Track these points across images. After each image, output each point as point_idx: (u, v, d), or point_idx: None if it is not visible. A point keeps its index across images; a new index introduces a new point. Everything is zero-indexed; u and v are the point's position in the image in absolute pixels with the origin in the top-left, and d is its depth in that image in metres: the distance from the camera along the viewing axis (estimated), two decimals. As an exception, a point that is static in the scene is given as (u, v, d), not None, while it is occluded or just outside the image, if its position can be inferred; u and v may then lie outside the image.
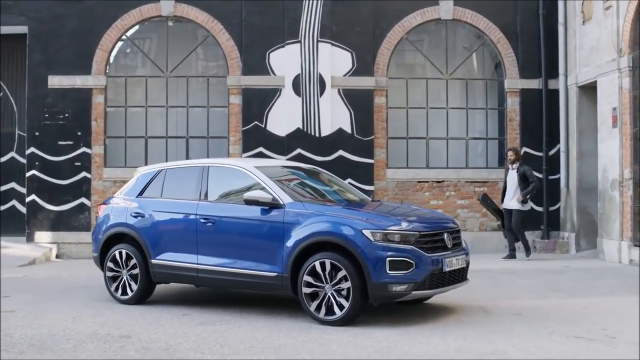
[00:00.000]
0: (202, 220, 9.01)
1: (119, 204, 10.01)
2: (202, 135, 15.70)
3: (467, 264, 8.84)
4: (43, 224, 15.28)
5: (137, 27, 15.75)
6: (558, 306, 9.22)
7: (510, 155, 14.30)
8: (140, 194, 9.87)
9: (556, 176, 15.72)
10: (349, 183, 14.75)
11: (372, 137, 15.49)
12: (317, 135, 15.36)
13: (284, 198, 8.55)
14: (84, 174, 15.29)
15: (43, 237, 15.24)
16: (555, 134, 15.68)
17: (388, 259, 7.87)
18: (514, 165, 14.21)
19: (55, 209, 15.27)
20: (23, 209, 15.69)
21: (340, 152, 15.36)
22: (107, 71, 15.50)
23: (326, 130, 15.37)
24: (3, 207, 15.98)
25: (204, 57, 16.52)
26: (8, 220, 15.89)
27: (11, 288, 11.12)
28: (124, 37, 15.64)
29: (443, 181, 15.67)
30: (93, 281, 11.64)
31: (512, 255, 14.27)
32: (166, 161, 14.86)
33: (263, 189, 8.70)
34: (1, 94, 16.07)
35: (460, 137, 16.11)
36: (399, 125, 15.94)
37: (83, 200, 15.26)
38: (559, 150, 15.68)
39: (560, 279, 11.68)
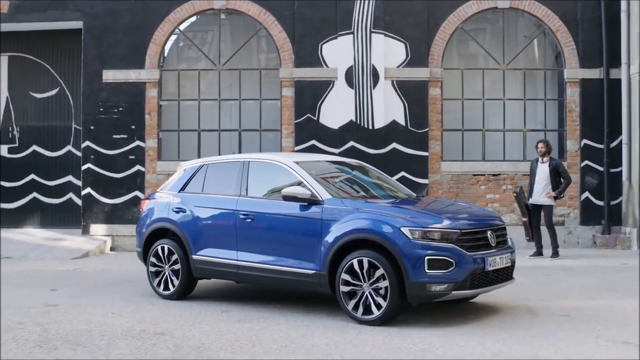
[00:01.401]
0: (241, 216, 8.91)
1: (161, 199, 9.99)
2: (255, 128, 15.64)
3: (513, 262, 8.53)
4: (98, 216, 15.46)
5: (189, 20, 15.77)
6: (609, 307, 8.84)
7: (541, 147, 13.54)
8: (183, 188, 9.83)
9: (618, 169, 15.16)
10: (403, 176, 14.64)
11: (427, 129, 15.20)
12: (370, 127, 15.14)
13: (323, 194, 8.38)
14: (138, 167, 15.41)
15: (98, 229, 15.43)
16: (617, 125, 15.11)
17: (427, 257, 7.63)
18: (545, 159, 13.54)
19: (110, 202, 15.43)
20: (79, 202, 15.91)
21: (394, 145, 15.11)
22: (161, 65, 15.57)
23: (380, 122, 15.14)
24: (60, 200, 16.25)
25: (257, 50, 16.43)
26: (65, 212, 16.19)
27: (60, 281, 11.28)
28: (176, 30, 15.70)
29: (499, 174, 15.29)
30: (140, 275, 11.63)
31: (539, 252, 13.68)
32: (219, 154, 14.90)
33: (302, 184, 8.55)
34: (58, 88, 16.31)
35: (517, 129, 15.68)
36: (454, 117, 15.60)
37: (137, 193, 15.37)
38: (620, 142, 15.11)
39: (617, 278, 11.24)
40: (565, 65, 15.36)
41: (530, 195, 13.62)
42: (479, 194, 15.11)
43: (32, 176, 16.23)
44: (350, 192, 9.01)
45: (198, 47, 16.06)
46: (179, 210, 9.60)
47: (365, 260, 7.86)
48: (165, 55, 15.85)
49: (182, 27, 15.79)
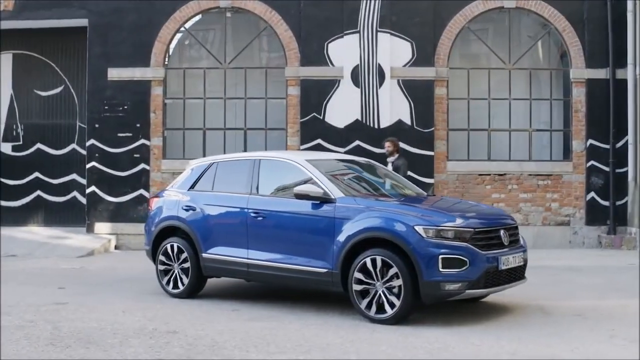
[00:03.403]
0: (252, 214, 8.86)
1: (171, 197, 9.94)
2: (260, 127, 15.59)
3: (525, 262, 8.50)
4: (103, 215, 15.40)
5: (195, 18, 15.70)
6: (621, 307, 8.80)
7: (388, 146, 13.11)
8: (192, 187, 9.79)
9: (623, 169, 15.14)
10: (409, 176, 14.51)
11: (433, 128, 15.17)
12: (376, 127, 15.11)
13: (335, 192, 8.34)
14: (142, 165, 15.36)
15: (102, 228, 15.37)
16: (623, 125, 15.09)
17: (441, 256, 7.60)
18: (391, 158, 13.16)
19: (115, 200, 15.37)
20: (83, 200, 15.88)
21: (400, 144, 15.01)
22: (166, 63, 15.51)
23: (385, 121, 15.11)
24: (64, 198, 16.20)
25: (262, 49, 16.39)
26: (69, 211, 16.15)
27: (67, 279, 11.24)
28: (182, 29, 15.63)
29: (505, 174, 15.26)
30: (147, 274, 11.63)
31: None
32: (224, 153, 14.88)
33: (314, 183, 8.50)
34: (63, 86, 16.26)
35: (523, 128, 15.65)
36: (460, 117, 15.57)
37: (142, 191, 15.32)
38: (626, 142, 15.08)
39: (624, 278, 11.20)
40: (572, 65, 15.33)
41: None
42: (485, 194, 15.07)
43: (36, 174, 16.19)
44: (361, 191, 8.95)
45: (203, 46, 16.00)
46: (188, 209, 9.56)
47: (378, 259, 7.82)
48: (171, 53, 15.79)
49: (188, 25, 15.72)
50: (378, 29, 15.14)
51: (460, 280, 7.64)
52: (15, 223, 15.91)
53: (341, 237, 8.09)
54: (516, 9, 15.51)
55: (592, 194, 15.27)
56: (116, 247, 15.23)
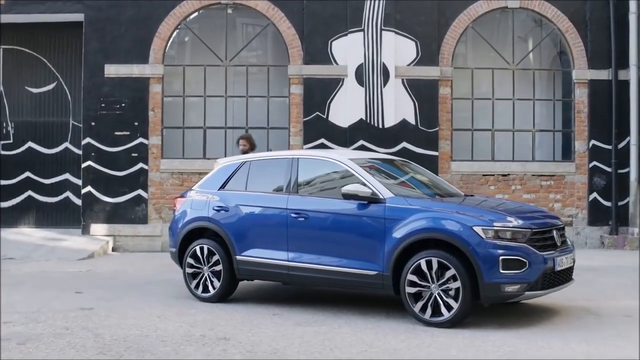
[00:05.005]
0: (293, 215, 8.55)
1: (198, 197, 9.56)
2: (262, 126, 15.23)
3: (574, 262, 8.38)
4: (99, 216, 14.89)
5: (195, 14, 15.27)
6: (666, 308, 8.73)
7: (243, 144, 12.58)
8: (223, 186, 9.43)
9: (626, 170, 15.14)
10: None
11: (437, 128, 14.99)
12: (380, 126, 14.87)
13: (385, 193, 8.09)
14: (140, 165, 14.88)
15: (98, 229, 14.84)
16: (625, 126, 15.08)
17: (501, 257, 7.41)
18: None
19: (111, 201, 14.87)
20: (77, 201, 15.34)
21: (404, 144, 14.86)
22: (165, 60, 15.06)
23: (390, 121, 14.88)
24: (56, 199, 15.63)
25: (264, 46, 16.06)
26: (62, 211, 15.57)
27: (79, 283, 10.80)
28: (182, 25, 15.19)
29: (509, 174, 15.15)
30: (160, 276, 11.38)
31: None
32: (225, 153, 14.61)
33: (361, 182, 8.23)
34: (55, 83, 15.71)
35: (526, 129, 15.57)
36: (463, 117, 15.43)
37: (140, 192, 14.85)
38: (628, 143, 15.09)
39: (648, 278, 11.18)
40: (574, 66, 15.28)
41: None
42: (489, 194, 14.89)
43: (27, 174, 15.57)
44: (404, 190, 8.70)
45: (204, 42, 15.53)
46: (220, 209, 9.20)
47: (434, 261, 7.60)
48: (170, 49, 15.33)
49: (188, 21, 15.27)
50: (382, 27, 14.91)
51: (520, 282, 7.47)
52: (5, 224, 15.27)
53: (393, 238, 7.84)
54: (519, 9, 15.42)
55: (595, 194, 15.24)
56: (113, 249, 14.73)
